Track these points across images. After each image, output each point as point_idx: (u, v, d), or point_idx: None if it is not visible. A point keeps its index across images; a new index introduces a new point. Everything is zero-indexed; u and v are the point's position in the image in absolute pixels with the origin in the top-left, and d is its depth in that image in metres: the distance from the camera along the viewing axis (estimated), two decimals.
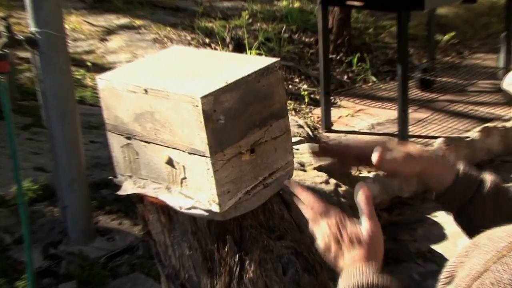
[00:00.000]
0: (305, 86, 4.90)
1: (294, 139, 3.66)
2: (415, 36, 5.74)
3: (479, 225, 1.13)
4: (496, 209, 1.15)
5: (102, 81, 1.21)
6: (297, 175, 3.02)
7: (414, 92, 4.65)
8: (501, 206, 1.15)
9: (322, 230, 1.06)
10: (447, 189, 1.16)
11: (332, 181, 2.98)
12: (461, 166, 1.18)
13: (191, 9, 5.86)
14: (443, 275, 0.84)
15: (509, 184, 1.21)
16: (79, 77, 4.26)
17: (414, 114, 4.42)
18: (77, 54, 4.65)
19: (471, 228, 1.17)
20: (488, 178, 1.17)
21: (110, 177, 1.31)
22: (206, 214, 1.15)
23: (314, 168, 3.12)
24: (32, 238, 2.42)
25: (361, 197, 1.07)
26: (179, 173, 1.17)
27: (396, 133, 4.04)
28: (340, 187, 2.99)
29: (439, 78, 4.81)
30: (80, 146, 2.51)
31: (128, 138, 1.22)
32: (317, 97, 4.74)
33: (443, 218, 3.39)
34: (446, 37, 5.77)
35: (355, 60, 5.16)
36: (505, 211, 1.15)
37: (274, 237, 1.20)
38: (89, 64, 4.45)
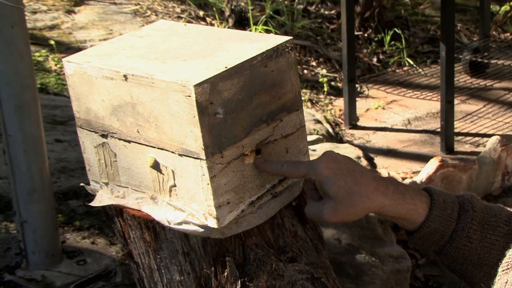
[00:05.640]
0: (324, 71, 4.91)
1: (310, 138, 3.68)
2: (464, 7, 5.74)
3: (467, 263, 1.15)
4: (485, 242, 1.16)
5: (70, 64, 1.23)
6: None
7: (462, 79, 4.66)
8: (490, 238, 1.16)
9: None
10: (419, 228, 1.17)
11: None
12: (433, 195, 1.17)
13: None
14: (503, 265, 0.93)
15: (492, 204, 1.20)
16: (40, 59, 4.29)
17: (461, 106, 4.43)
18: (37, 30, 4.68)
19: (457, 270, 1.18)
20: (469, 205, 1.17)
21: (82, 184, 1.33)
22: (201, 230, 1.17)
23: None
24: None
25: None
26: (167, 179, 1.18)
27: (438, 130, 4.05)
28: None
29: (494, 61, 4.81)
30: (42, 146, 2.53)
31: (104, 136, 1.24)
32: (339, 85, 4.76)
33: None
34: (504, 8, 5.76)
35: (388, 38, 5.17)
36: (495, 243, 1.15)
37: (285, 259, 1.21)
38: (52, 42, 4.47)
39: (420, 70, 4.92)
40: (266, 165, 1.19)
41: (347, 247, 2.73)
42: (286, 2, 5.38)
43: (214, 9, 5.17)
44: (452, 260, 1.18)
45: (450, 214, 1.16)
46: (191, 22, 4.96)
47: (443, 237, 1.16)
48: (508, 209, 1.19)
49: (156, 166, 1.18)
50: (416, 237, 1.17)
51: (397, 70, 4.99)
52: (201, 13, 5.20)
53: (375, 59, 5.10)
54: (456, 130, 4.03)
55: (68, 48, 4.43)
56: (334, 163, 1.14)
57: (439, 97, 4.00)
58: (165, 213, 1.20)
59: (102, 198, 1.28)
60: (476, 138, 4.09)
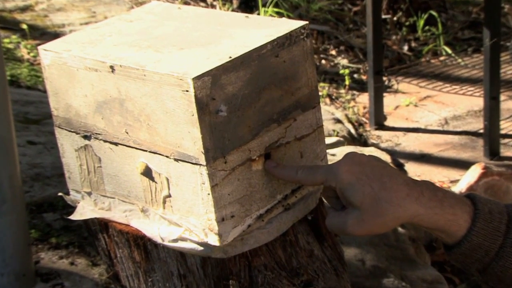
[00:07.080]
0: (345, 62, 4.91)
1: (328, 140, 3.68)
2: None
3: None
4: None
5: (47, 53, 1.24)
6: None
7: (510, 70, 4.65)
8: None
9: None
10: (459, 242, 1.15)
11: None
12: (477, 204, 1.16)
13: None
14: None
15: None
16: (10, 46, 4.31)
17: (509, 103, 4.42)
18: (6, 12, 4.70)
19: None
20: None
21: (60, 194, 1.34)
22: (200, 248, 1.17)
23: None
24: None
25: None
26: (160, 188, 1.19)
27: (481, 131, 4.05)
28: None
29: None
30: (12, 149, 2.54)
31: (87, 137, 1.25)
32: (364, 77, 4.76)
33: None
34: None
35: (421, 22, 5.17)
36: None
37: (299, 283, 1.22)
38: (25, 27, 4.49)
39: (460, 60, 4.92)
40: (278, 170, 1.18)
41: (372, 269, 2.73)
42: None
43: None
44: (498, 281, 1.17)
45: (497, 227, 1.15)
46: (189, 4, 4.97)
47: (488, 254, 1.15)
48: None
49: (147, 173, 1.19)
50: (456, 253, 1.16)
51: (432, 60, 4.99)
52: None
53: (406, 47, 5.10)
54: (502, 132, 4.02)
55: (43, 34, 4.45)
56: (357, 166, 1.14)
57: (482, 92, 3.99)
58: (158, 228, 1.20)
59: (84, 211, 1.29)
60: None
